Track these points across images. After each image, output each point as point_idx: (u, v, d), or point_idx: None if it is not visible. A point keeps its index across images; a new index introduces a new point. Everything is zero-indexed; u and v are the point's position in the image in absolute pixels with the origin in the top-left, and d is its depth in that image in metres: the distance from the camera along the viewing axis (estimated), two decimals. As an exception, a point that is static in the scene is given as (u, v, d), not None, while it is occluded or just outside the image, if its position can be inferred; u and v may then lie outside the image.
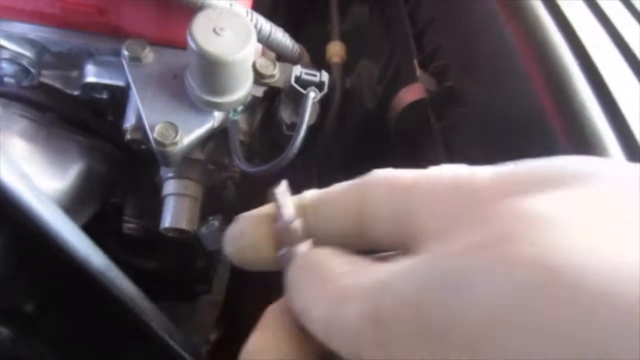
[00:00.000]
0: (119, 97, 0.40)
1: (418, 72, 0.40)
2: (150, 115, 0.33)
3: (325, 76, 0.35)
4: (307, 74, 0.34)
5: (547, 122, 0.29)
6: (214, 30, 0.30)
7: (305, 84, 0.34)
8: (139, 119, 0.36)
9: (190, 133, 0.33)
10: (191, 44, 0.30)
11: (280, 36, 0.37)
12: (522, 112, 0.32)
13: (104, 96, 0.41)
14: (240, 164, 0.33)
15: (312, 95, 0.33)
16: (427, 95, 0.40)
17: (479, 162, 0.14)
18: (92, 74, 0.39)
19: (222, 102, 0.33)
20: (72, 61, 0.39)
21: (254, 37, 0.31)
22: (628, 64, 0.30)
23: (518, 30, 0.34)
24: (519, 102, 0.32)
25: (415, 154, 0.40)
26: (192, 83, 0.33)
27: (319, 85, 0.35)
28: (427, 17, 0.46)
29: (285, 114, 0.35)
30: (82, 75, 0.39)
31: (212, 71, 0.31)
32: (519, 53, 0.32)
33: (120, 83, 0.39)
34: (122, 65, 0.37)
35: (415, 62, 0.41)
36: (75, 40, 0.36)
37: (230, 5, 0.34)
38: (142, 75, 0.35)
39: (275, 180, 0.17)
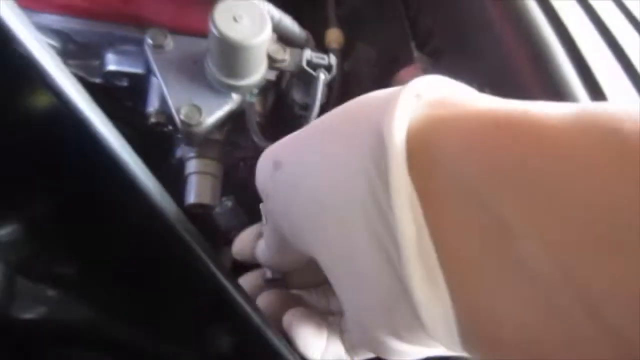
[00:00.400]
0: (137, 84, 0.42)
1: (415, 53, 0.44)
2: (175, 99, 0.36)
3: (333, 59, 0.38)
4: (316, 57, 0.38)
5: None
6: (234, 18, 0.33)
7: (315, 67, 0.38)
8: (162, 102, 0.39)
9: (212, 114, 0.36)
10: (213, 30, 0.33)
11: (289, 23, 0.40)
12: (507, 86, 0.36)
13: (124, 83, 0.43)
14: (259, 140, 0.36)
15: (323, 77, 0.37)
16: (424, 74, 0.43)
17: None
18: (113, 63, 0.42)
19: (240, 85, 0.36)
20: (93, 50, 0.42)
21: (269, 24, 0.34)
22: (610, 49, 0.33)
23: (501, 10, 0.37)
24: (502, 75, 0.36)
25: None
26: (212, 67, 0.36)
27: (328, 68, 0.38)
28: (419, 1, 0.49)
29: (298, 95, 0.39)
30: (103, 64, 0.42)
31: (232, 56, 0.34)
32: (501, 29, 0.35)
33: (139, 70, 0.42)
34: (141, 54, 0.40)
35: (413, 44, 0.44)
36: (100, 30, 0.39)
37: (245, -6, 0.37)
38: (165, 61, 0.38)
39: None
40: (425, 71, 0.43)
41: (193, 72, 0.38)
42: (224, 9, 0.33)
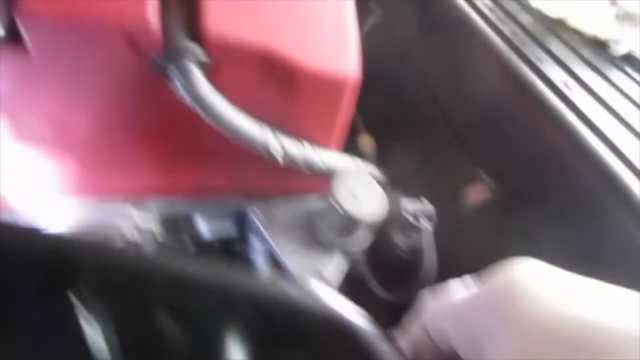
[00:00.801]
0: (230, 247, 0.44)
1: (482, 174, 0.48)
2: (294, 266, 0.38)
3: (428, 204, 0.41)
4: (417, 207, 0.41)
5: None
6: (352, 194, 0.36)
7: (415, 215, 0.41)
8: (273, 264, 0.40)
9: (333, 279, 0.38)
10: (336, 207, 0.35)
11: (376, 172, 0.44)
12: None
13: (215, 245, 0.44)
14: (381, 293, 0.38)
15: (429, 228, 0.40)
16: (490, 194, 0.48)
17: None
18: (206, 232, 0.43)
19: (354, 247, 0.39)
20: (187, 224, 0.42)
21: (383, 195, 0.37)
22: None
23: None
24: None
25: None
26: (328, 232, 0.38)
27: (427, 214, 0.41)
28: (463, 118, 0.54)
29: (400, 240, 0.41)
30: (197, 235, 0.43)
31: (353, 226, 0.37)
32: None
33: (232, 234, 0.43)
34: (231, 218, 0.42)
35: (479, 167, 0.48)
36: (198, 207, 0.40)
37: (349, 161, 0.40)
38: (274, 230, 0.39)
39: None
40: (491, 190, 0.47)
41: (301, 234, 0.40)
42: (343, 186, 0.36)
